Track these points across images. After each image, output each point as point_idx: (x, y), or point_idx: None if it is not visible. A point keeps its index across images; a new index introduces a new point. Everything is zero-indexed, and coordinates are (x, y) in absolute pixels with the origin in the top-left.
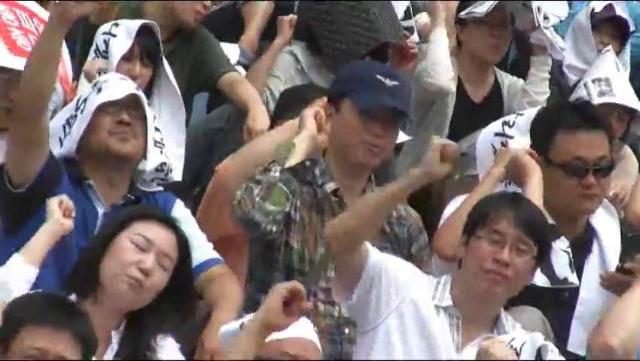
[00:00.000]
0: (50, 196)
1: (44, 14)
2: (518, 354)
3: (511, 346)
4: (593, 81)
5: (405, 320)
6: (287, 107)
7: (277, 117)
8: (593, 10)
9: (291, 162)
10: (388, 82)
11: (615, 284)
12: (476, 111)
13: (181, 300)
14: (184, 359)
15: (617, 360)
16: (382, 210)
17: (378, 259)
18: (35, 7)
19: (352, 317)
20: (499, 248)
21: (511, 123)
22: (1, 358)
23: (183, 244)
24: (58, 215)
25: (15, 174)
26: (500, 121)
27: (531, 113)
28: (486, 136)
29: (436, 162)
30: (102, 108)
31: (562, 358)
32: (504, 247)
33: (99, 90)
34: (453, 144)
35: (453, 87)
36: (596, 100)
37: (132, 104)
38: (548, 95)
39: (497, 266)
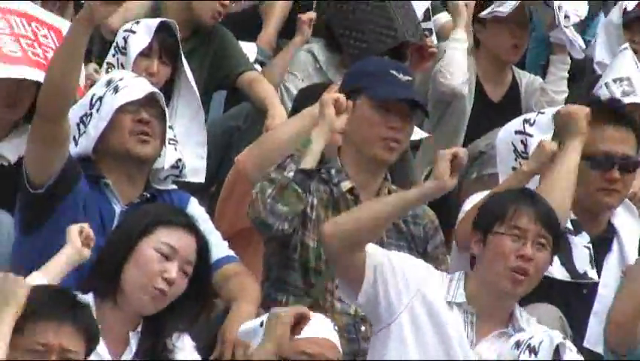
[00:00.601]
0: (68, 196)
1: (46, 17)
2: (536, 353)
3: (529, 344)
4: (614, 81)
5: (417, 315)
6: (305, 105)
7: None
8: (625, 8)
9: (307, 162)
10: (402, 76)
11: None
12: (494, 110)
13: (198, 300)
14: (200, 359)
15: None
16: (390, 217)
17: (381, 257)
18: (36, 11)
19: (367, 317)
20: (520, 244)
21: (532, 121)
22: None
23: (203, 247)
24: (78, 244)
25: (34, 175)
26: (520, 118)
27: (552, 111)
28: (505, 134)
29: (446, 173)
30: (121, 108)
31: (580, 356)
32: (526, 242)
33: (116, 90)
34: (462, 150)
35: (465, 90)
36: None
37: (149, 102)
38: (567, 94)
39: (521, 262)
